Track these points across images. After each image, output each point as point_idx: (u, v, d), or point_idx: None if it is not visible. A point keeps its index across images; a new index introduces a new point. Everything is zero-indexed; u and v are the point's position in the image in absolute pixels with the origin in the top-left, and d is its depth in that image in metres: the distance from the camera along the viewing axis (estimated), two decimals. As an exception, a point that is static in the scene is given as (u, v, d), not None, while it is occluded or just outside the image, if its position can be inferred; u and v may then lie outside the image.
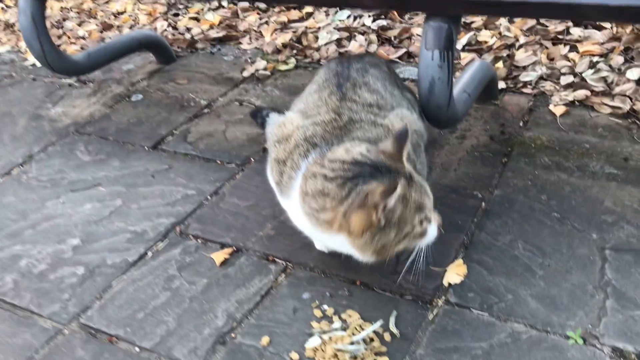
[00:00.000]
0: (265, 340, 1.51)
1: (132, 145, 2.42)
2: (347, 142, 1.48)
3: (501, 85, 2.52)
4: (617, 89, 2.36)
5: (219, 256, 1.79)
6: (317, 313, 1.57)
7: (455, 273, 1.64)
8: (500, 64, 2.64)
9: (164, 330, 1.58)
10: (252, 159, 2.26)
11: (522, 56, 2.67)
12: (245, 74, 2.91)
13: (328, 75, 1.73)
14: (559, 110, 2.34)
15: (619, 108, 2.29)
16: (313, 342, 1.47)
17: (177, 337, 1.56)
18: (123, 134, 2.51)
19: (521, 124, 2.29)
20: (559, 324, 1.48)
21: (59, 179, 2.25)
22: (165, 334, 1.57)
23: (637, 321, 1.46)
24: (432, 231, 1.46)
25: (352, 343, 1.45)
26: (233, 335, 1.55)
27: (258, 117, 2.29)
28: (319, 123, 1.55)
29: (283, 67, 2.92)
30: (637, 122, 2.22)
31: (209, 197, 2.07)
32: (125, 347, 1.55)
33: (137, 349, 1.54)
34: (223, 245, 1.85)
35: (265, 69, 2.92)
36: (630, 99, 2.30)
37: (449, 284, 1.62)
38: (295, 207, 1.50)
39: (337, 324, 1.52)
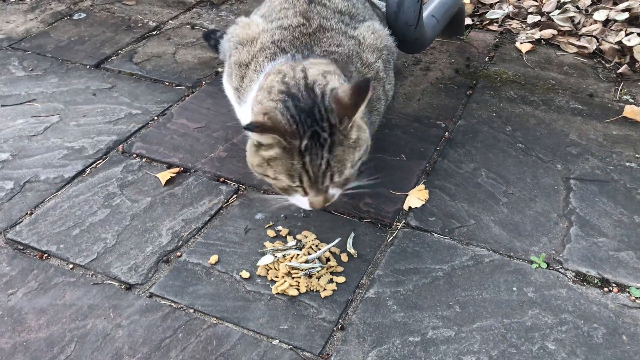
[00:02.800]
0: (213, 258, 1.40)
1: (73, 63, 2.23)
2: (315, 56, 1.36)
3: (467, 21, 2.43)
4: (583, 30, 2.31)
5: (164, 175, 1.66)
6: (271, 233, 1.46)
7: (416, 197, 1.56)
8: (467, 0, 2.55)
9: (101, 247, 1.45)
10: (203, 82, 2.10)
11: (489, -6, 2.58)
12: (199, -2, 2.72)
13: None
14: (525, 47, 2.27)
15: (585, 48, 2.23)
16: (265, 260, 1.37)
17: (115, 255, 1.43)
18: (63, 51, 2.30)
19: (487, 59, 2.22)
20: (522, 249, 1.43)
21: (-12, 94, 2.05)
22: (102, 251, 1.44)
23: (601, 247, 1.42)
24: (299, 201, 1.31)
25: (307, 261, 1.35)
26: (178, 254, 1.43)
27: (211, 38, 2.13)
28: (286, 27, 1.42)
29: (240, -6, 2.75)
30: (603, 62, 2.18)
31: (155, 118, 1.92)
32: (57, 264, 1.41)
33: (70, 265, 1.41)
34: (170, 165, 1.71)
35: (220, -6, 2.74)
36: (597, 39, 2.25)
37: (410, 208, 1.54)
38: (249, 111, 1.38)
39: (291, 242, 1.42)
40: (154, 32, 2.45)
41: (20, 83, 2.10)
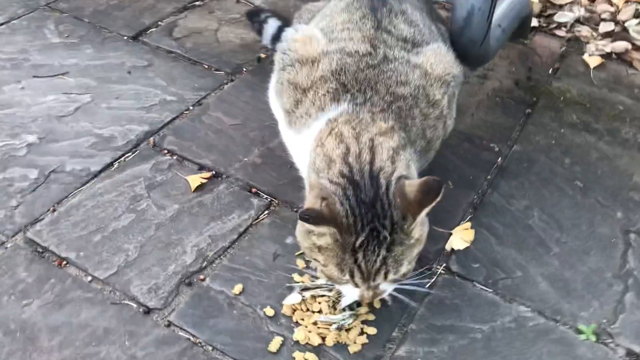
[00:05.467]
0: (238, 288, 1.32)
1: (110, 32, 2.11)
2: (378, 103, 1.22)
3: (533, 23, 2.23)
4: (661, 47, 2.11)
5: (195, 180, 1.56)
6: (300, 264, 1.37)
7: (460, 238, 1.45)
8: (535, -1, 2.34)
9: (122, 259, 1.38)
10: (244, 69, 1.98)
11: (560, -8, 2.36)
12: (248, -34, 2.56)
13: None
14: (593, 61, 2.08)
15: (660, 69, 2.04)
16: (292, 300, 1.28)
17: (136, 271, 1.35)
18: (101, 17, 2.19)
19: (550, 71, 2.04)
20: (571, 313, 1.32)
21: (21, 60, 1.96)
22: (123, 265, 1.36)
23: (658, 322, 1.30)
24: (349, 293, 1.18)
25: (334, 306, 1.26)
26: (202, 277, 1.35)
27: (255, 20, 1.99)
28: (350, 53, 1.28)
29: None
30: (679, 88, 1.99)
31: (190, 107, 1.81)
32: (75, 274, 1.34)
33: (88, 278, 1.34)
34: (201, 167, 1.62)
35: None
36: (675, 60, 2.05)
37: (452, 250, 1.43)
38: (302, 146, 1.26)
39: (322, 279, 1.32)
40: (197, 3, 2.31)
41: (55, 51, 2.00)
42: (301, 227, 1.16)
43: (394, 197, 1.09)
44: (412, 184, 1.10)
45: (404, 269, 1.13)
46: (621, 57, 2.11)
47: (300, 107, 1.29)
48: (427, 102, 1.29)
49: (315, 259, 1.16)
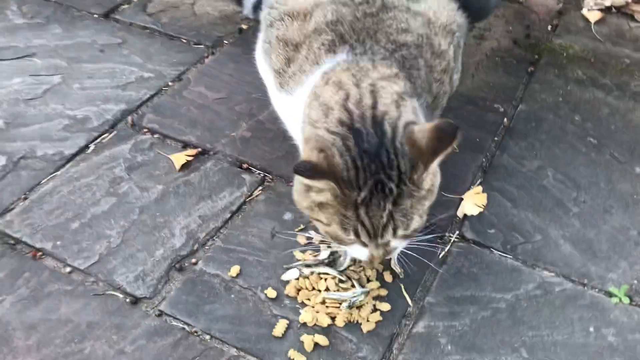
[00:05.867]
0: (234, 270, 1.19)
1: (79, 10, 1.96)
2: (379, 52, 1.10)
3: (527, -20, 2.12)
4: (662, -2, 2.01)
5: (179, 158, 1.43)
6: (302, 240, 1.25)
7: (472, 202, 1.33)
8: (527, -45, 2.23)
9: (104, 247, 1.24)
10: (225, 41, 1.84)
11: (552, -52, 2.25)
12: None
13: None
14: (593, 16, 1.97)
15: (664, 20, 1.94)
16: (290, 275, 1.17)
17: (120, 258, 1.22)
18: (68, -5, 2.04)
19: (549, 28, 1.93)
20: (598, 275, 1.21)
21: (-18, 44, 1.81)
22: (105, 252, 1.23)
23: (693, 280, 1.20)
24: (358, 253, 1.07)
25: (341, 281, 1.14)
26: (194, 260, 1.22)
27: (235, -11, 1.86)
28: (346, 3, 1.16)
29: None
30: (685, 38, 1.89)
31: (170, 83, 1.67)
32: (52, 265, 1.21)
33: (67, 269, 1.21)
34: (186, 145, 1.48)
35: None
36: (679, 10, 1.95)
37: (465, 216, 1.32)
38: (296, 108, 1.13)
39: (324, 254, 1.20)
40: (171, -23, 2.16)
41: (19, 33, 1.85)
42: (299, 185, 1.04)
43: (402, 145, 0.97)
44: (423, 129, 0.97)
45: (415, 223, 1.01)
46: (621, 11, 2.01)
47: (292, 65, 1.16)
48: (432, 53, 1.17)
49: (316, 219, 1.03)
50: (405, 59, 1.11)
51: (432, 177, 1.00)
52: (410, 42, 1.13)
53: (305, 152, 1.00)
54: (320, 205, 0.99)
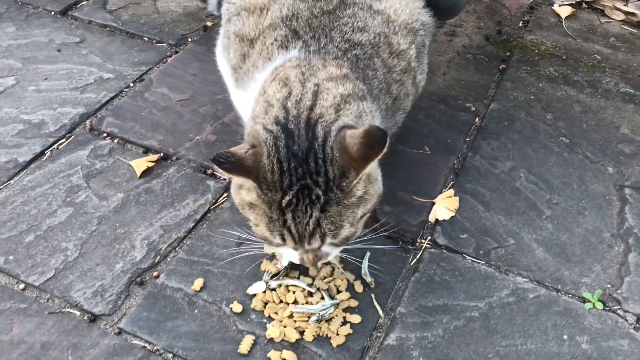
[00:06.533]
0: (198, 283, 1.14)
1: (34, 7, 1.88)
2: (332, 50, 1.06)
3: (497, -26, 2.09)
4: (632, -8, 2.00)
5: (140, 164, 1.37)
6: (269, 249, 1.20)
7: (444, 206, 1.30)
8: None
9: (60, 261, 1.18)
10: (189, 39, 1.78)
11: (522, -58, 2.23)
12: None
13: None
14: (564, 11, 1.96)
15: (634, 15, 1.93)
16: (256, 289, 1.12)
17: (77, 272, 1.16)
18: (23, -8, 1.95)
19: (521, 23, 1.90)
20: (572, 280, 1.19)
21: None
22: (61, 267, 1.17)
23: (667, 283, 1.18)
24: (289, 256, 1.03)
25: (310, 294, 1.10)
26: (155, 274, 1.17)
27: (199, -15, 1.80)
28: None
29: None
30: (655, 33, 1.88)
31: (131, 84, 1.61)
32: (4, 282, 1.15)
33: (21, 285, 1.14)
34: (147, 150, 1.42)
35: None
36: (648, 5, 1.95)
37: (437, 221, 1.28)
38: (249, 104, 1.09)
39: (285, 260, 1.15)
40: (132, -28, 2.08)
41: (-30, 32, 1.76)
42: (234, 180, 1.00)
43: (333, 150, 0.93)
44: (354, 135, 0.92)
45: (345, 232, 0.96)
46: (592, 6, 2.00)
47: (247, 61, 1.12)
48: (390, 52, 1.13)
49: (247, 218, 1.00)
50: (359, 58, 1.07)
51: (365, 184, 0.96)
52: (365, 41, 1.09)
53: (244, 142, 0.97)
54: (250, 205, 0.96)
